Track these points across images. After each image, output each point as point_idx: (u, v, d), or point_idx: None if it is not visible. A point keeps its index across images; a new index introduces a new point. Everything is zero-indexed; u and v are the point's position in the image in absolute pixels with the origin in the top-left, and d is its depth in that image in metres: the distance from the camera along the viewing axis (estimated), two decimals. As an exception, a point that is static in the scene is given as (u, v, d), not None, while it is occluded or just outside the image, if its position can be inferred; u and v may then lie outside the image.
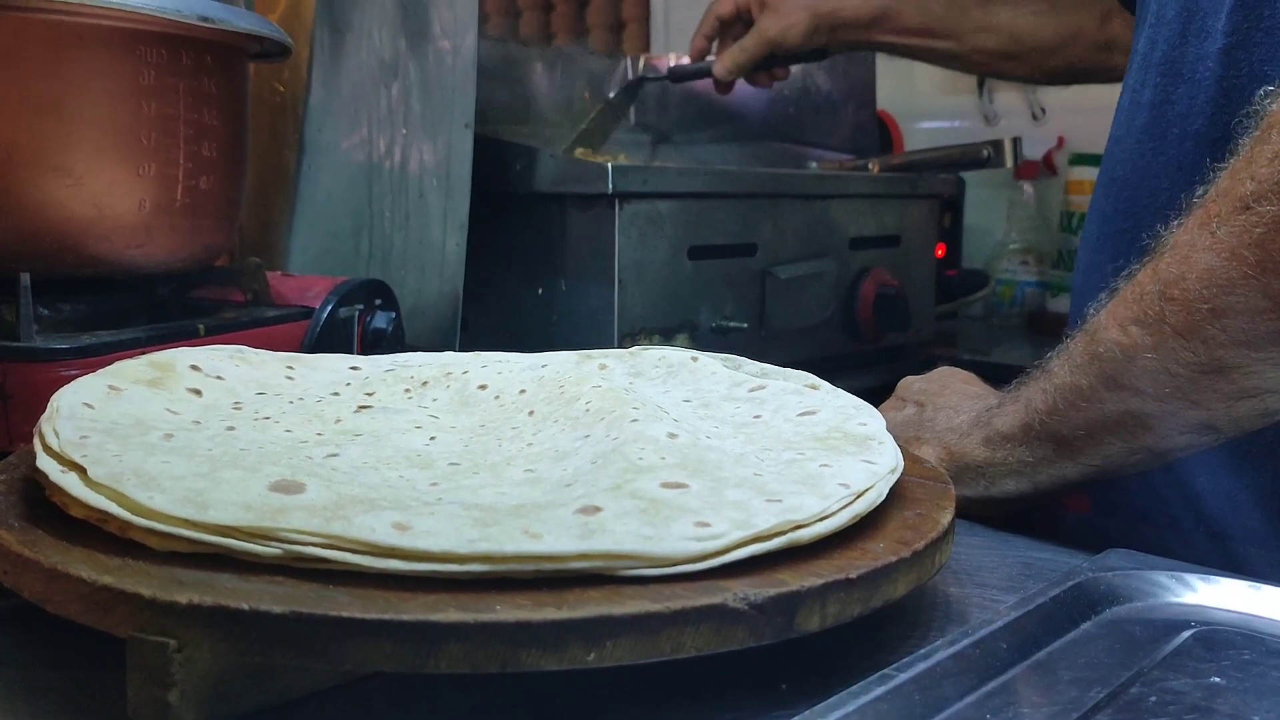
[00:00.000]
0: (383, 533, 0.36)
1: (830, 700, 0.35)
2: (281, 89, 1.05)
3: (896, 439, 0.56)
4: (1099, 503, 0.79)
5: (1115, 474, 0.57)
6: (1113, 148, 0.74)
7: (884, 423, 0.51)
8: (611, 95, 1.31)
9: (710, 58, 1.30)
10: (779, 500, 0.41)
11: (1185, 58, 0.65)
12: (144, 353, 0.56)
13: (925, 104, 2.05)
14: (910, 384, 0.73)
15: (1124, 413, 0.53)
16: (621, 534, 0.37)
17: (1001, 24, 1.15)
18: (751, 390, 0.57)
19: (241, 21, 0.71)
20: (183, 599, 0.34)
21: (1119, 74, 0.91)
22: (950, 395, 0.69)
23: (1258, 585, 0.47)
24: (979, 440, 0.61)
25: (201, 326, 0.69)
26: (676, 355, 0.62)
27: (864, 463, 0.46)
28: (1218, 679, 0.40)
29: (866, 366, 1.29)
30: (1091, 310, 0.56)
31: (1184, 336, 0.49)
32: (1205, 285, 0.48)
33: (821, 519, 0.41)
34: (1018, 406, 0.59)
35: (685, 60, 1.42)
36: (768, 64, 1.26)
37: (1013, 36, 1.15)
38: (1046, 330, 1.72)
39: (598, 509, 0.39)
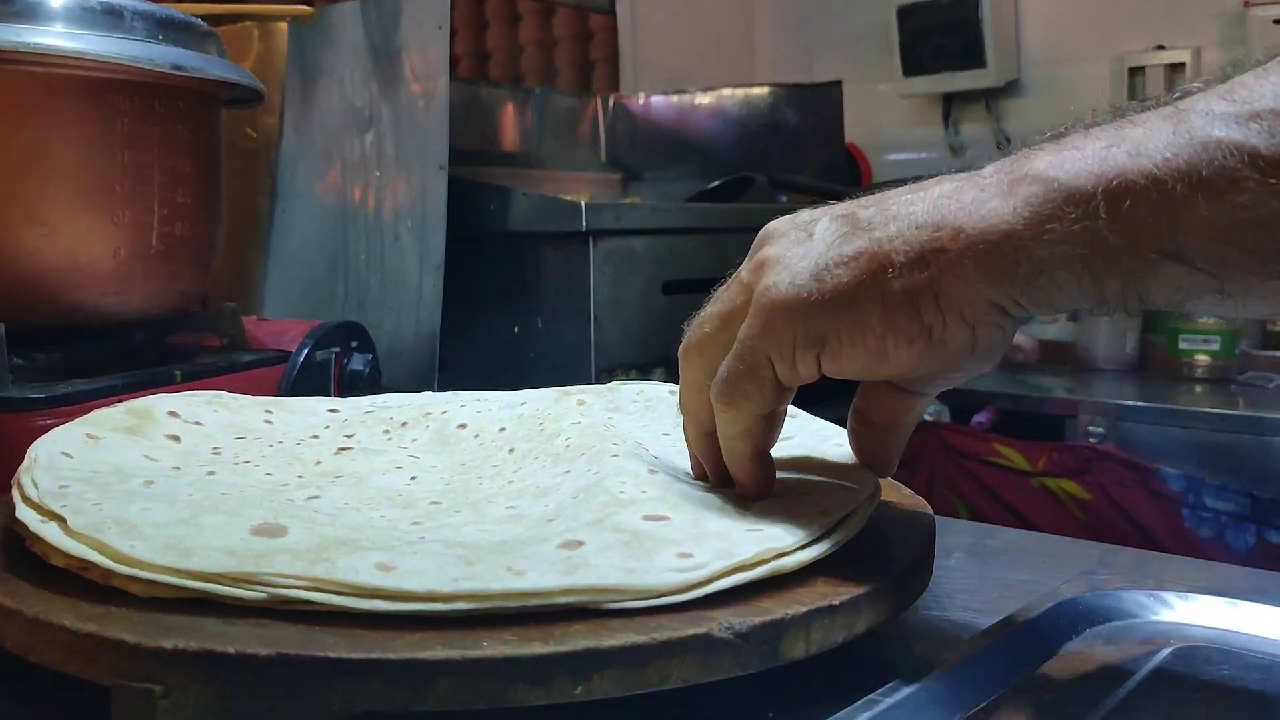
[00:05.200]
0: (366, 574, 0.36)
1: (817, 727, 0.35)
2: (254, 135, 1.05)
3: (818, 260, 0.40)
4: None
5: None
6: None
7: None
8: None
9: None
10: (760, 529, 0.41)
11: None
12: (121, 400, 0.56)
13: (893, 136, 2.08)
14: (795, 215, 0.44)
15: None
16: (605, 568, 0.37)
17: None
18: None
19: (214, 69, 0.71)
20: (167, 644, 0.34)
21: None
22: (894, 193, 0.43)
23: (1234, 602, 0.48)
24: (1021, 200, 0.37)
25: (178, 372, 0.69)
26: (654, 389, 0.62)
27: (843, 489, 0.46)
28: (1197, 694, 0.41)
29: (841, 396, 1.30)
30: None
31: None
32: None
33: (803, 547, 0.41)
34: (1086, 155, 0.37)
35: (656, 98, 1.44)
36: None
37: None
38: (1019, 354, 1.74)
39: (580, 543, 0.39)
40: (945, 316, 0.38)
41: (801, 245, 0.41)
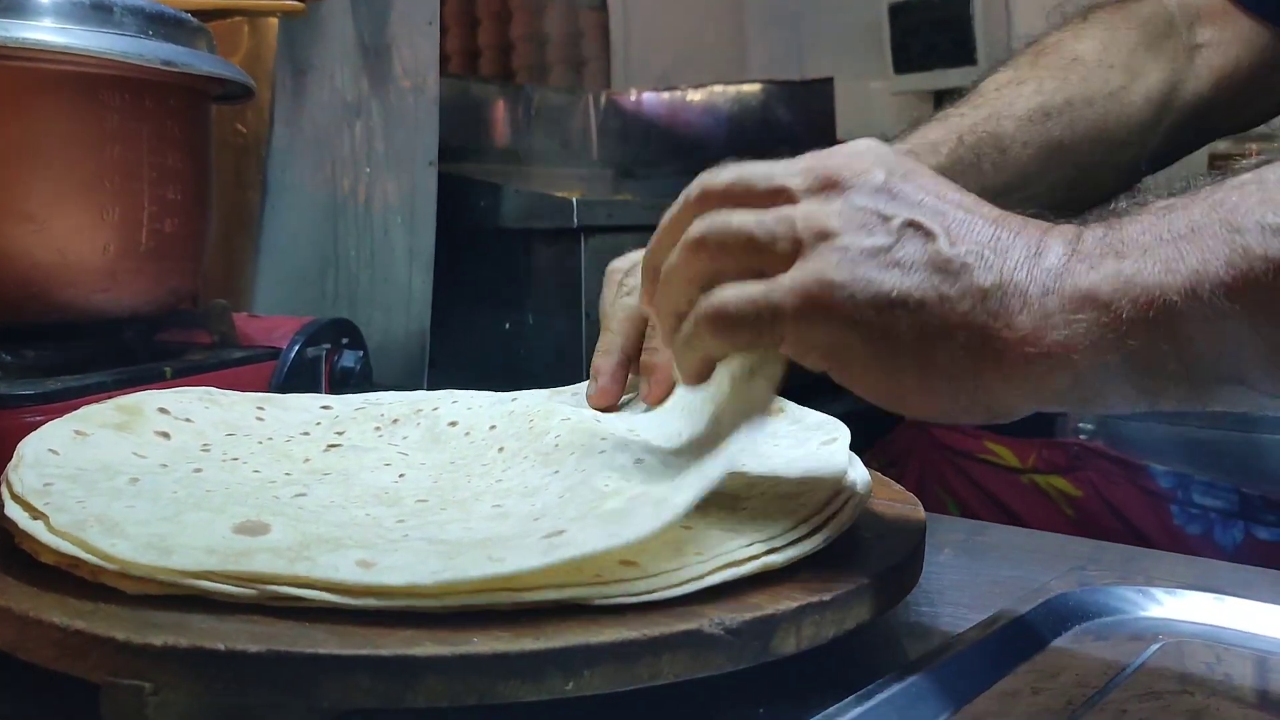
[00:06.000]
0: (347, 570, 0.36)
1: (807, 722, 0.35)
2: (244, 130, 1.05)
3: (886, 286, 0.37)
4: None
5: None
6: None
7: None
8: None
9: None
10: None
11: None
12: (110, 397, 0.56)
13: (885, 131, 2.08)
14: (884, 173, 0.40)
15: None
16: (585, 539, 0.37)
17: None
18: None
19: (204, 65, 0.71)
20: (157, 641, 0.33)
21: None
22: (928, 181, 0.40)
23: (1221, 597, 0.48)
24: (1082, 328, 0.36)
25: (168, 369, 0.69)
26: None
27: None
28: (1187, 690, 0.41)
29: (832, 394, 1.30)
30: None
31: None
32: None
33: (794, 543, 0.41)
34: (1145, 271, 0.35)
35: (647, 94, 1.43)
36: None
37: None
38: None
39: (562, 531, 0.39)
40: (985, 402, 0.38)
41: (875, 243, 0.38)
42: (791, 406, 0.57)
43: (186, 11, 0.73)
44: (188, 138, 0.72)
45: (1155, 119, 0.71)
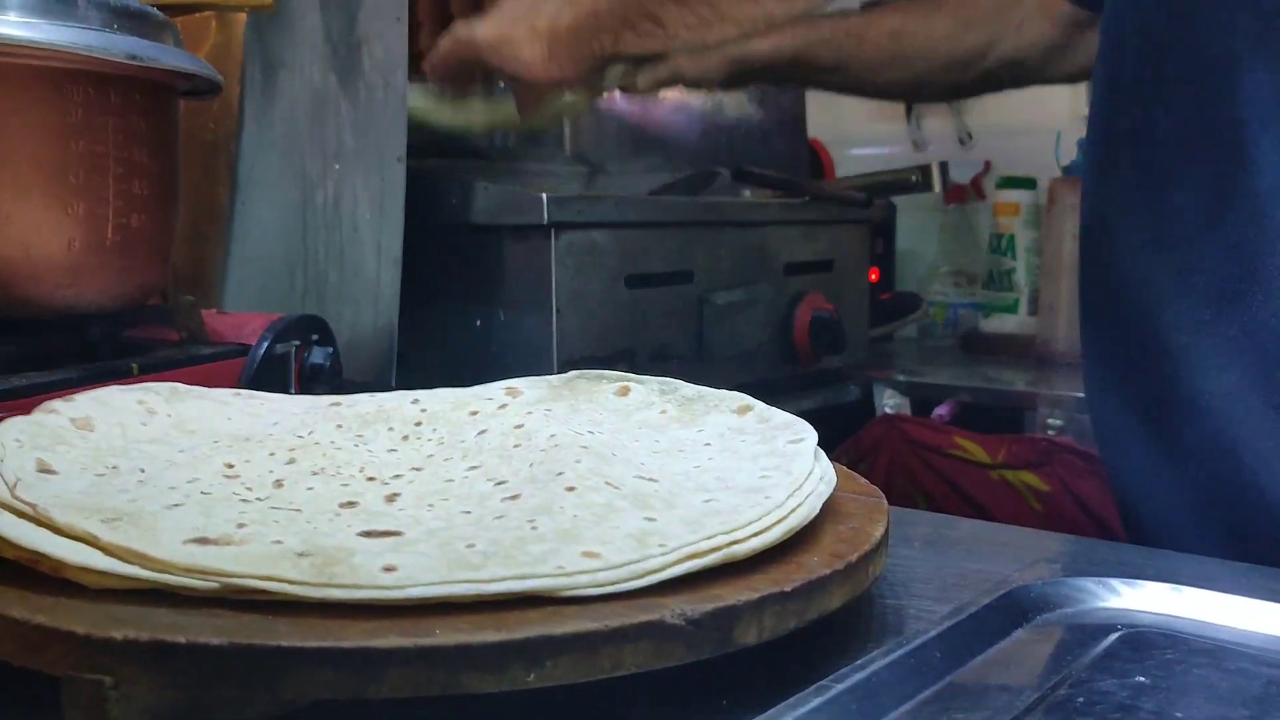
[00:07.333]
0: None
1: (769, 713, 0.35)
2: (213, 126, 1.04)
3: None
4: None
5: None
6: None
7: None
8: None
9: None
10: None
11: None
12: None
13: (855, 131, 2.09)
14: None
15: None
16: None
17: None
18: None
19: (170, 59, 0.71)
20: (118, 635, 0.33)
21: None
22: None
23: (1179, 588, 0.48)
24: None
25: (135, 365, 0.69)
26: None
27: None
28: (1143, 679, 0.42)
29: (803, 390, 1.31)
30: None
31: None
32: None
33: (757, 534, 0.41)
34: None
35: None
36: None
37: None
38: (980, 350, 1.75)
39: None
40: None
41: None
42: (760, 405, 0.57)
43: (152, 5, 0.72)
44: (154, 132, 0.72)
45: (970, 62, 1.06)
